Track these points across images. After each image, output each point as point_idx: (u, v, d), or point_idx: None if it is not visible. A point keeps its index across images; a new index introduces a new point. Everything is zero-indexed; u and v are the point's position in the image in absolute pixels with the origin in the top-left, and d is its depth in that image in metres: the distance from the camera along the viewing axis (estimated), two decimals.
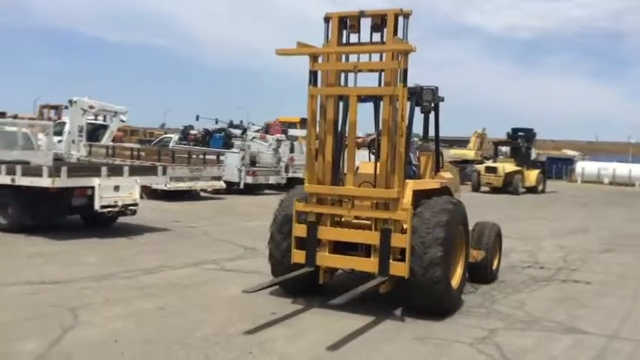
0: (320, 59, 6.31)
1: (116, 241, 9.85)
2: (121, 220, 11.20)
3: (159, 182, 12.30)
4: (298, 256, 6.31)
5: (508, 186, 25.08)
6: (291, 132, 25.44)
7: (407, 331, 5.58)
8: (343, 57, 6.39)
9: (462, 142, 36.70)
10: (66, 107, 20.44)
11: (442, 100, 7.09)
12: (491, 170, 25.61)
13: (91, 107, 18.92)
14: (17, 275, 7.14)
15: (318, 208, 6.26)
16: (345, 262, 6.19)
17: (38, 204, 10.07)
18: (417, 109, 6.79)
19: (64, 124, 19.94)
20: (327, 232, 6.24)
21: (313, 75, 6.24)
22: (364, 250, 6.13)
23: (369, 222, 6.14)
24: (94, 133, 20.04)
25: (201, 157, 17.31)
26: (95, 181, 10.00)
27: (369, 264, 6.03)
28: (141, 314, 5.69)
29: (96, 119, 20.47)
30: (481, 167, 26.52)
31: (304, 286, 6.53)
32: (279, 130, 23.66)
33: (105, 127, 20.43)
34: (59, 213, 10.61)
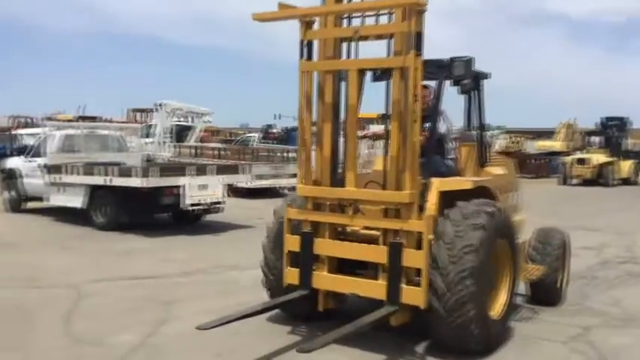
0: (316, 25, 5.01)
1: (203, 238, 10.20)
2: (207, 217, 11.59)
3: (242, 180, 12.61)
4: (291, 275, 5.05)
5: (600, 178, 23.90)
6: (372, 128, 25.40)
7: None
8: (345, 23, 5.01)
9: (548, 134, 35.32)
10: (154, 110, 21.34)
11: (486, 77, 5.76)
12: (582, 162, 24.47)
13: (178, 109, 19.68)
14: (113, 271, 7.56)
15: (313, 216, 4.98)
16: (347, 285, 4.90)
17: (131, 203, 10.59)
18: (453, 90, 5.60)
19: (153, 126, 20.85)
20: (324, 246, 4.93)
21: (307, 46, 4.95)
22: (374, 269, 4.81)
23: (378, 233, 4.79)
24: (181, 134, 20.83)
25: (282, 154, 17.61)
26: (182, 181, 10.42)
27: (375, 288, 4.70)
28: (225, 310, 5.87)
29: (182, 121, 21.26)
30: (570, 159, 25.42)
31: (309, 309, 5.14)
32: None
33: (191, 129, 21.19)
34: (150, 211, 11.13)
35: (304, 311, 5.24)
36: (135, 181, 10.05)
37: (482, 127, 5.85)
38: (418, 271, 4.54)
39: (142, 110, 34.03)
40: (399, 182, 4.66)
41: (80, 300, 6.19)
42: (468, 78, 5.46)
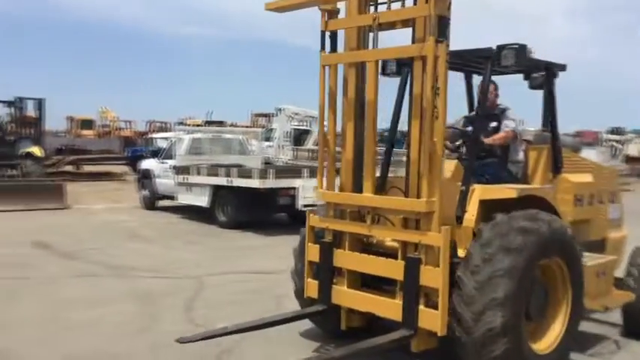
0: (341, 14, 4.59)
1: None
2: None
3: None
4: (311, 287, 4.76)
5: None
6: None
7: None
8: (371, 10, 4.50)
9: None
10: (275, 115, 22.22)
11: (561, 69, 5.00)
12: None
13: (296, 114, 20.35)
14: (232, 265, 8.13)
15: (335, 224, 4.62)
16: (365, 303, 4.44)
17: (250, 203, 11.21)
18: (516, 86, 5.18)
19: (273, 130, 21.73)
20: (343, 258, 4.56)
21: (330, 37, 4.59)
22: (395, 286, 4.30)
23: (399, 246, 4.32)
24: (299, 137, 21.50)
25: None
26: (297, 183, 10.89)
27: (392, 308, 4.23)
28: None
29: (300, 125, 21.95)
30: None
31: (335, 326, 4.80)
32: None
33: (308, 132, 21.81)
34: (268, 211, 11.71)
35: (329, 327, 4.94)
36: (253, 182, 10.65)
37: (554, 128, 5.09)
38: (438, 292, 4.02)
39: (264, 115, 35.48)
40: (419, 188, 4.17)
41: (201, 290, 6.74)
42: (525, 68, 4.92)
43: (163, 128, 36.97)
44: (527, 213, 4.19)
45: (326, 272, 4.62)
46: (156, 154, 14.69)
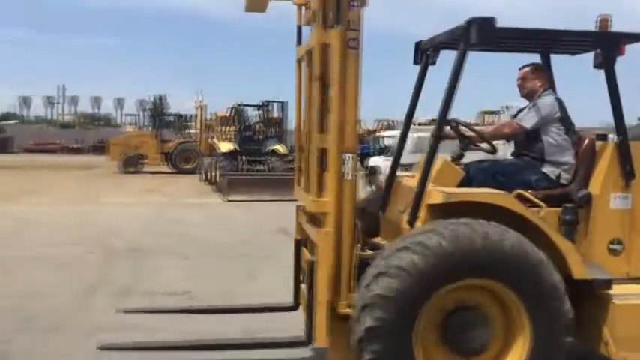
0: None
1: None
2: None
3: None
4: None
5: None
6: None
7: None
8: None
9: None
10: (501, 112, 21.81)
11: (629, 39, 3.88)
12: None
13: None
14: None
15: (300, 221, 4.41)
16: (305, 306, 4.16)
17: None
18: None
19: None
20: (303, 257, 4.29)
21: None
22: None
23: None
24: None
25: None
26: None
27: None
28: None
29: None
30: None
31: None
32: None
33: None
34: None
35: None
36: None
37: (617, 119, 3.96)
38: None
39: (491, 112, 34.78)
40: (317, 186, 3.85)
41: None
42: (495, 45, 4.06)
43: (391, 126, 38.30)
44: (450, 222, 3.48)
45: (296, 270, 4.41)
46: (382, 151, 15.60)
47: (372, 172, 15.14)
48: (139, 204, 14.29)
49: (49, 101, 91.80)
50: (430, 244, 3.30)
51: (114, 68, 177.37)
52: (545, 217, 3.81)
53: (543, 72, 4.32)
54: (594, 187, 3.95)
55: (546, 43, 4.27)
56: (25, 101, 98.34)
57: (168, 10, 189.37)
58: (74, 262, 7.78)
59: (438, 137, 3.87)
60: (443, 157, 4.15)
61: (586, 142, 4.12)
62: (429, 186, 3.83)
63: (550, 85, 4.34)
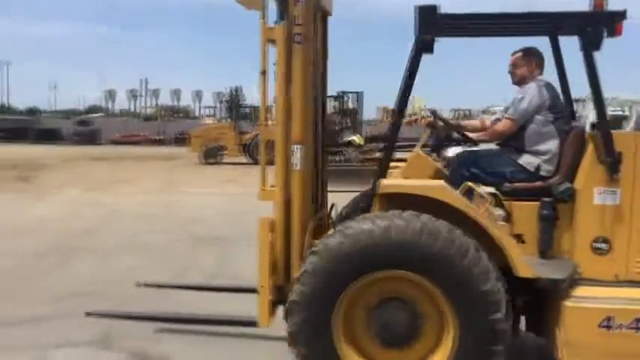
0: None
1: None
2: None
3: None
4: None
5: None
6: None
7: None
8: None
9: None
10: (584, 100, 20.90)
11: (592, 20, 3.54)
12: None
13: (613, 98, 18.89)
14: None
15: None
16: None
17: None
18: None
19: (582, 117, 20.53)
20: None
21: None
22: None
23: None
24: (615, 123, 19.91)
25: None
26: None
27: None
28: None
29: (616, 110, 20.28)
30: None
31: None
32: None
33: (625, 118, 20.03)
34: None
35: None
36: None
37: (597, 104, 3.63)
38: None
39: (575, 100, 33.42)
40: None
41: None
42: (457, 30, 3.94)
43: (467, 116, 37.51)
44: (372, 214, 3.62)
45: None
46: (461, 141, 15.32)
47: (449, 163, 14.88)
48: (219, 194, 14.71)
49: (132, 94, 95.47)
50: (351, 232, 3.44)
51: (192, 61, 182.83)
52: (518, 212, 3.67)
53: (535, 57, 4.05)
54: (578, 180, 3.66)
55: (508, 26, 4.00)
56: (110, 95, 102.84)
57: None
58: (163, 249, 8.15)
59: (396, 126, 3.96)
60: (418, 150, 4.17)
61: (573, 131, 3.81)
62: (391, 176, 3.94)
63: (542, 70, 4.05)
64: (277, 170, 3.92)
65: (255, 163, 24.84)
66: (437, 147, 4.27)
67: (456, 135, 4.32)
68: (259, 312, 3.91)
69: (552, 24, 3.87)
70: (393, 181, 3.89)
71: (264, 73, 3.97)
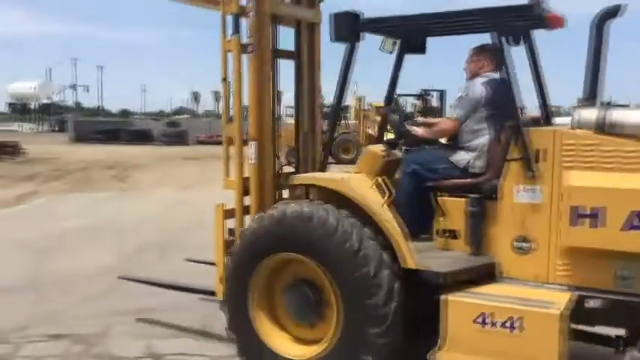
0: None
1: None
2: None
3: None
4: None
5: None
6: None
7: None
8: None
9: None
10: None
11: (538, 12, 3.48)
12: None
13: None
14: None
15: None
16: None
17: None
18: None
19: None
20: None
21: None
22: None
23: None
24: None
25: None
26: None
27: None
28: None
29: None
30: None
31: None
32: None
33: None
34: None
35: None
36: None
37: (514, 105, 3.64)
38: None
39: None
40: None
41: None
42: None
43: (556, 113, 36.06)
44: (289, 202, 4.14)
45: None
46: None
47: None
48: None
49: (216, 96, 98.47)
50: (261, 216, 4.03)
51: None
52: (451, 209, 3.77)
53: (486, 54, 4.03)
54: (502, 177, 3.64)
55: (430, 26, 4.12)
56: (196, 97, 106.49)
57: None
58: None
59: (333, 123, 4.78)
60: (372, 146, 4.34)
61: (505, 127, 3.70)
62: (331, 171, 4.46)
63: (498, 66, 3.97)
64: (236, 164, 4.56)
65: (338, 162, 25.01)
66: (394, 143, 4.33)
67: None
68: (216, 285, 4.58)
69: (469, 21, 3.87)
70: (303, 175, 4.47)
71: (224, 80, 4.59)
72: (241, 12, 4.41)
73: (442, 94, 21.81)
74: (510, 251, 3.58)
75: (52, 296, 6.25)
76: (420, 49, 4.38)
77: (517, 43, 3.71)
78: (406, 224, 3.65)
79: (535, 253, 3.51)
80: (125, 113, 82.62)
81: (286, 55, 4.86)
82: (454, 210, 3.77)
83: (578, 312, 3.29)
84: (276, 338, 4.01)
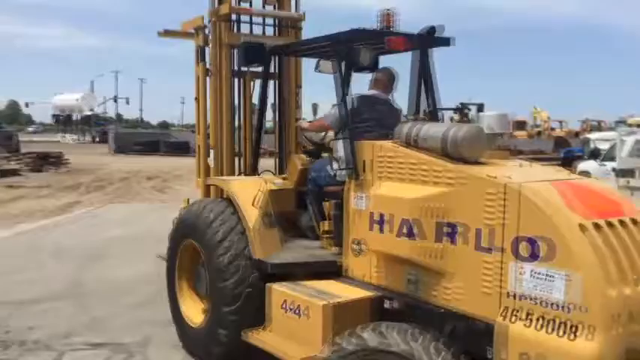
0: None
1: None
2: None
3: None
4: None
5: None
6: None
7: None
8: None
9: None
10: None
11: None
12: None
13: None
14: None
15: None
16: None
17: None
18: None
19: None
20: None
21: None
22: None
23: None
24: None
25: None
26: None
27: None
28: None
29: None
30: None
31: None
32: None
33: None
34: None
35: None
36: None
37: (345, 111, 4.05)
38: None
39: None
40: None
41: None
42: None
43: (598, 127, 35.33)
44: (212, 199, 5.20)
45: None
46: (594, 155, 14.43)
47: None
48: None
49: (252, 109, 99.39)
50: (185, 209, 5.29)
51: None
52: (329, 212, 4.30)
53: (376, 75, 4.51)
54: (347, 185, 4.00)
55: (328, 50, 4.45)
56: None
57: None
58: None
59: (258, 132, 5.28)
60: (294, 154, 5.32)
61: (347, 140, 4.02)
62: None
63: (384, 85, 4.49)
64: (201, 167, 5.87)
65: None
66: (315, 151, 5.12)
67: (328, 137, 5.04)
68: None
69: (327, 48, 4.39)
70: (213, 178, 5.60)
71: (196, 99, 5.93)
72: (206, 44, 5.65)
73: (480, 108, 21.55)
74: (350, 252, 3.97)
75: (94, 304, 6.36)
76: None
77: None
78: (316, 223, 4.46)
79: (365, 255, 3.86)
80: (164, 125, 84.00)
81: (255, 75, 5.70)
82: (329, 213, 4.31)
83: (379, 311, 3.65)
84: (190, 307, 5.00)
